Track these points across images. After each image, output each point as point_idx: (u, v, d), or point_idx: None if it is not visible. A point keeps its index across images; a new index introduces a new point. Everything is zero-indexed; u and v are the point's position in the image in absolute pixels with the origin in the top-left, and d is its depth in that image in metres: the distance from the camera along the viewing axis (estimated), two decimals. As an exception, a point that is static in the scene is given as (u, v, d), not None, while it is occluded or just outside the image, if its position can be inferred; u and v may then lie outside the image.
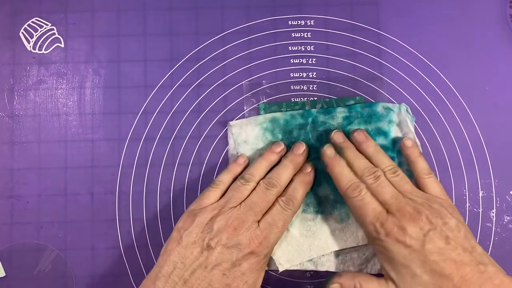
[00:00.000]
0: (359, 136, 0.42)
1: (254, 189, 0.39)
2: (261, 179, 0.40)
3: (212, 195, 0.40)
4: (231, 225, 0.37)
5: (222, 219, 0.37)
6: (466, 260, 0.35)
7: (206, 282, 0.35)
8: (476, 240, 0.43)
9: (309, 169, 0.42)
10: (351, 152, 0.41)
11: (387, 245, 0.36)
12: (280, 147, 0.42)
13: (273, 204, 0.39)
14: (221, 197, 0.40)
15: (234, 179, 0.41)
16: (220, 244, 0.36)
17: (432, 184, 0.40)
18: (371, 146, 0.41)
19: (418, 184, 0.40)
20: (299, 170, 0.42)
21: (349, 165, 0.40)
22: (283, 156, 0.42)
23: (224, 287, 0.35)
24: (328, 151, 0.41)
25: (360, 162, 0.40)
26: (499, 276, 0.34)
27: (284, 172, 0.40)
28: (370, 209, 0.38)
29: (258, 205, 0.38)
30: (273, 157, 0.42)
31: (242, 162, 0.43)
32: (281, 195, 0.40)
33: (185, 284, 0.35)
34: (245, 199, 0.39)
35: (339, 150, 0.41)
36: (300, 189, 0.40)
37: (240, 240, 0.36)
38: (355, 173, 0.40)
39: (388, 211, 0.37)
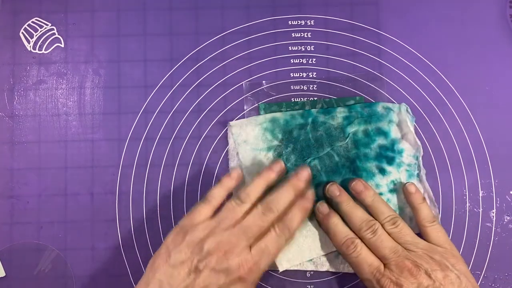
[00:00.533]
0: (357, 186, 0.41)
1: (249, 211, 0.38)
2: (257, 200, 0.38)
3: (203, 211, 0.38)
4: (222, 248, 0.35)
5: (214, 241, 0.36)
6: None
7: None
8: (476, 239, 0.43)
9: (310, 196, 0.40)
10: (347, 206, 0.40)
11: None
12: (280, 167, 0.40)
13: (268, 230, 0.37)
14: (213, 214, 0.38)
15: (227, 194, 0.40)
16: (209, 267, 0.35)
17: (435, 233, 0.39)
18: (370, 196, 0.40)
19: (421, 232, 0.40)
20: (298, 200, 0.40)
21: (346, 219, 0.40)
22: (281, 175, 0.41)
23: None
24: (321, 207, 0.41)
25: (357, 216, 0.39)
26: None
27: (284, 197, 0.38)
28: (366, 265, 0.37)
29: (252, 230, 0.37)
30: (271, 176, 0.40)
31: (235, 176, 0.40)
32: (278, 221, 0.38)
33: None
34: (239, 220, 0.37)
35: (335, 205, 0.41)
36: (298, 217, 0.39)
37: (229, 265, 0.35)
38: (352, 227, 0.39)
39: (386, 266, 0.37)
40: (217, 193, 0.39)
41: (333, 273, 0.43)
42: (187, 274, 0.35)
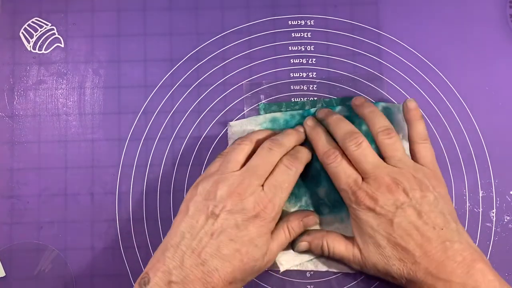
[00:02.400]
0: (357, 100, 0.41)
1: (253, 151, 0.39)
2: (259, 142, 0.39)
3: (216, 164, 0.39)
4: (235, 191, 0.36)
5: (225, 185, 0.36)
6: (433, 236, 0.35)
7: (213, 248, 0.35)
8: (476, 239, 0.43)
9: (301, 129, 0.42)
10: (332, 118, 0.40)
11: (357, 213, 0.37)
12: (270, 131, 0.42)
13: (276, 165, 0.38)
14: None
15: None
16: (225, 210, 0.35)
17: (424, 151, 0.39)
18: (368, 107, 0.40)
19: (411, 149, 0.40)
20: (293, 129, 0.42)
21: (331, 130, 0.40)
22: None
23: (234, 252, 0.35)
24: (309, 121, 0.41)
25: (341, 127, 0.39)
26: (462, 253, 0.34)
27: (287, 138, 0.40)
28: (343, 176, 0.37)
29: (261, 168, 0.37)
30: (269, 131, 0.42)
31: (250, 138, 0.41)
32: (284, 155, 0.39)
33: (193, 253, 0.35)
34: (247, 162, 0.38)
35: (321, 121, 0.41)
36: (303, 150, 0.40)
37: (244, 206, 0.36)
38: (337, 138, 0.39)
39: (364, 179, 0.37)
40: (231, 149, 0.40)
41: (333, 273, 0.43)
42: (205, 220, 0.36)
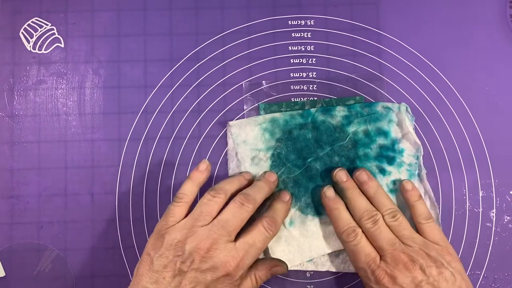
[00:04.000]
0: (361, 176, 0.41)
1: (225, 205, 0.38)
2: (232, 195, 0.39)
3: (177, 210, 0.38)
4: (203, 246, 0.35)
5: (193, 240, 0.35)
6: None
7: None
8: (476, 239, 0.43)
9: (287, 197, 0.41)
10: (352, 193, 0.40)
11: None
12: (250, 176, 0.42)
13: (254, 224, 0.37)
14: (188, 212, 0.38)
15: (199, 189, 0.39)
16: (193, 268, 0.35)
17: (431, 230, 0.39)
18: (373, 187, 0.40)
19: (417, 229, 0.40)
20: (277, 197, 0.41)
21: (349, 206, 0.40)
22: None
23: None
24: (328, 192, 0.41)
25: (360, 205, 0.39)
26: None
27: (260, 193, 0.39)
28: (363, 254, 0.37)
29: (232, 223, 0.36)
30: (244, 182, 0.41)
31: (204, 168, 0.40)
32: (263, 216, 0.38)
33: None
34: (217, 216, 0.37)
35: (340, 190, 0.41)
36: (281, 212, 0.39)
37: (214, 263, 0.35)
38: (354, 214, 0.39)
39: (382, 258, 0.37)
40: (188, 190, 0.39)
41: (333, 273, 0.43)
42: (171, 277, 0.34)
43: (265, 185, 0.40)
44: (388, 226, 0.38)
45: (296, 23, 0.46)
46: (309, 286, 0.43)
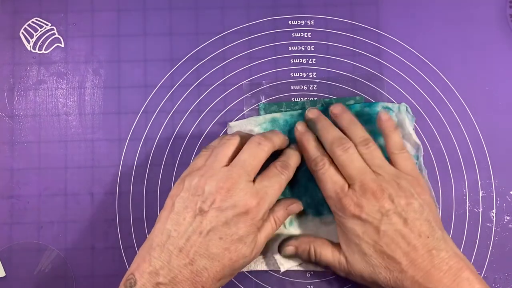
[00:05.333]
0: (336, 109, 0.41)
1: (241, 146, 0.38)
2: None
3: (202, 158, 0.38)
4: (224, 186, 0.35)
5: (213, 180, 0.35)
6: (419, 244, 0.34)
7: (202, 248, 0.34)
8: (476, 239, 0.43)
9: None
10: (323, 124, 0.40)
11: (343, 221, 0.36)
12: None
13: (269, 168, 0.38)
14: None
15: None
16: (214, 207, 0.34)
17: (403, 160, 0.39)
18: (347, 118, 0.40)
19: (390, 160, 0.39)
20: (289, 147, 0.41)
21: (320, 136, 0.40)
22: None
23: (223, 251, 0.34)
24: (299, 126, 0.41)
25: (330, 133, 0.39)
26: (449, 262, 0.34)
27: (277, 136, 0.39)
28: (330, 182, 0.37)
29: (250, 162, 0.36)
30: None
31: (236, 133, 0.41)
32: (276, 160, 0.39)
33: (181, 252, 0.34)
34: (234, 156, 0.37)
35: (312, 125, 0.41)
36: (293, 156, 0.40)
37: (235, 202, 0.35)
38: (325, 143, 0.39)
39: (350, 186, 0.37)
40: (217, 142, 0.39)
41: (333, 273, 0.43)
42: (192, 217, 0.35)
43: (278, 133, 0.40)
44: (361, 155, 0.38)
45: (296, 23, 0.46)
46: (309, 286, 0.43)
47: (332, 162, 0.38)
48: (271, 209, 0.39)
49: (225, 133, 0.44)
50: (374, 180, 0.36)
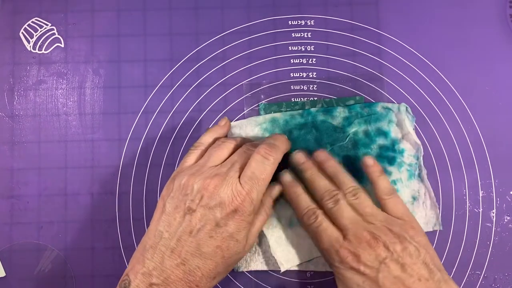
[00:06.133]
0: (320, 156, 0.40)
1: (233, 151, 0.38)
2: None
3: (190, 157, 0.38)
4: (211, 183, 0.35)
5: (201, 179, 0.35)
6: None
7: (193, 247, 0.34)
8: (476, 239, 0.43)
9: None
10: (311, 174, 0.39)
11: (342, 272, 0.36)
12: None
13: (252, 156, 0.37)
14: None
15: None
16: (202, 205, 0.35)
17: (394, 205, 0.38)
18: (332, 166, 0.40)
19: (380, 205, 0.39)
20: None
21: (309, 187, 0.39)
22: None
23: (215, 249, 0.34)
24: (285, 176, 0.40)
25: (320, 185, 0.39)
26: None
27: (270, 140, 0.39)
28: (325, 236, 0.37)
29: (239, 163, 0.36)
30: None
31: (223, 124, 0.42)
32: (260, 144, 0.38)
33: (173, 253, 0.34)
34: (225, 158, 0.37)
35: (299, 172, 0.40)
36: (281, 139, 0.39)
37: (221, 199, 0.34)
38: (315, 195, 0.39)
39: (345, 237, 0.36)
40: (205, 139, 0.40)
41: (333, 273, 0.43)
42: (182, 217, 0.35)
43: (277, 137, 0.40)
44: (351, 205, 0.38)
45: (296, 23, 0.46)
46: (309, 286, 0.43)
47: (323, 213, 0.38)
48: (261, 202, 0.39)
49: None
50: (367, 229, 0.36)
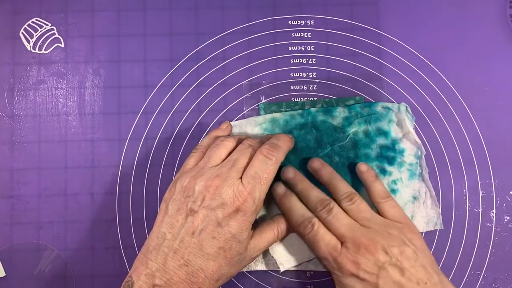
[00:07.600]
0: (314, 164, 0.41)
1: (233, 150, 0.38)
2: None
3: (192, 159, 0.39)
4: (212, 184, 0.35)
5: (202, 179, 0.35)
6: None
7: (196, 248, 0.34)
8: (476, 239, 0.43)
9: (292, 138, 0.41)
10: (302, 186, 0.39)
11: (341, 279, 0.36)
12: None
13: (254, 155, 0.37)
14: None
15: None
16: (204, 206, 0.35)
17: (390, 208, 0.38)
18: (327, 174, 0.40)
19: (376, 209, 0.39)
20: None
21: (302, 199, 0.39)
22: None
23: (217, 250, 0.34)
24: (278, 189, 0.40)
25: (312, 195, 0.39)
26: None
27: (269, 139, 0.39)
28: (323, 244, 0.37)
29: (240, 162, 0.36)
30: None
31: (225, 127, 0.42)
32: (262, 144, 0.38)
33: (176, 254, 0.34)
34: (225, 157, 0.37)
35: (291, 186, 0.40)
36: (284, 139, 0.39)
37: (223, 199, 0.35)
38: (309, 207, 0.39)
39: (343, 244, 0.36)
40: (206, 142, 0.40)
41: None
42: (184, 219, 0.35)
43: (280, 136, 0.40)
44: (347, 210, 0.38)
45: (296, 23, 0.46)
46: (309, 286, 0.43)
47: (319, 221, 0.38)
48: (277, 220, 0.39)
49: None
50: (364, 234, 0.36)
